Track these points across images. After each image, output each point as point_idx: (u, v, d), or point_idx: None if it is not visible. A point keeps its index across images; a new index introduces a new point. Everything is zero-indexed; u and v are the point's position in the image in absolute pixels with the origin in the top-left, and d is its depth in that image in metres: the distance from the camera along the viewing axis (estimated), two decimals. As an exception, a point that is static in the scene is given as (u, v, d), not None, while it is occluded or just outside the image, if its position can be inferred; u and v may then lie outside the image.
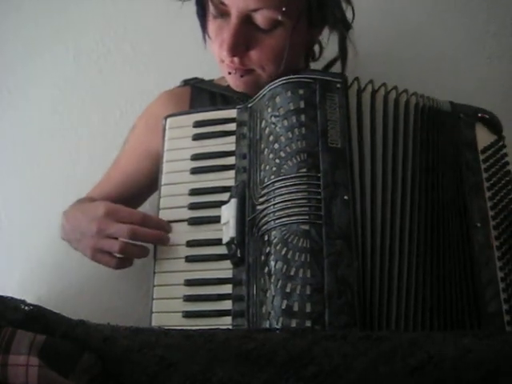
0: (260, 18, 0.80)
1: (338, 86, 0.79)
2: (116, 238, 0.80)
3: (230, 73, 0.86)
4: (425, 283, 0.75)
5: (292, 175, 0.74)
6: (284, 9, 0.80)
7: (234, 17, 0.80)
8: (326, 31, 0.94)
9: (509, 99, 1.19)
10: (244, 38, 0.81)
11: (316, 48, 1.01)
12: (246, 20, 0.81)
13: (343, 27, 0.91)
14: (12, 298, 0.58)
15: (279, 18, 0.80)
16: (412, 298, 0.74)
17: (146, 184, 1.01)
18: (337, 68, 0.95)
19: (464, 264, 0.78)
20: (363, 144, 0.78)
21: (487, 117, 0.89)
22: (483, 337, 0.56)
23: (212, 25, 0.85)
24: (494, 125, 0.89)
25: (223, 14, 0.82)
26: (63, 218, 0.91)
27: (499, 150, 0.88)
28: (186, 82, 1.03)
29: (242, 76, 0.86)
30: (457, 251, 0.78)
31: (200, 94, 1.01)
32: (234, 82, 0.88)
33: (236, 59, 0.83)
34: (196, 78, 1.04)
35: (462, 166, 0.83)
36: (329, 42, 1.00)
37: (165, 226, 0.80)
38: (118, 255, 0.81)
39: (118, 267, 0.82)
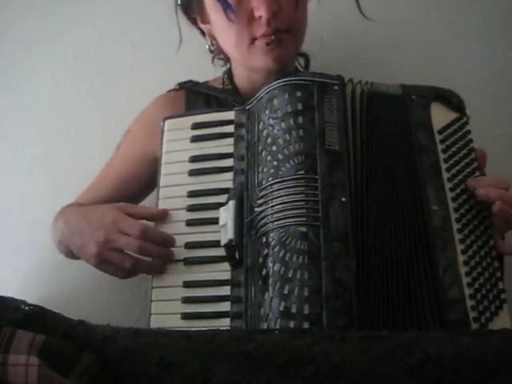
0: None
1: (336, 88, 0.79)
2: (123, 250, 0.79)
3: (268, 43, 0.86)
4: (398, 276, 0.73)
5: (290, 177, 0.74)
6: None
7: None
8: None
9: (509, 99, 1.19)
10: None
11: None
12: None
13: None
14: (12, 298, 0.58)
15: None
16: (393, 295, 0.72)
17: (141, 187, 1.01)
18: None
19: (421, 250, 0.75)
20: (357, 145, 0.78)
21: (443, 95, 0.85)
22: (482, 335, 0.56)
23: (235, 6, 0.85)
24: (453, 103, 0.85)
25: None
26: (61, 222, 0.90)
27: (461, 128, 0.84)
28: (181, 86, 1.03)
29: (280, 42, 0.87)
30: (412, 237, 0.75)
31: (195, 97, 1.01)
32: (271, 55, 0.88)
33: (273, 21, 0.84)
34: (191, 81, 1.04)
35: (414, 148, 0.80)
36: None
37: (170, 241, 0.80)
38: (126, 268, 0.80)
39: (124, 278, 0.82)
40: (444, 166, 0.80)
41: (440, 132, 0.83)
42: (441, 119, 0.84)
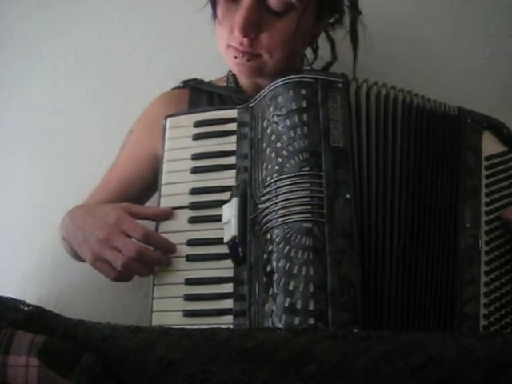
0: (273, 0, 0.82)
1: (340, 85, 0.80)
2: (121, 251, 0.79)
3: (236, 57, 0.86)
4: (410, 279, 0.75)
5: (294, 174, 0.74)
6: None
7: None
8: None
9: (509, 99, 1.19)
10: (256, 20, 0.82)
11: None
12: (259, 2, 0.82)
13: (355, 12, 0.93)
14: (12, 299, 0.57)
15: (293, 0, 0.82)
16: (400, 294, 0.74)
17: (145, 187, 1.00)
18: (343, 67, 0.95)
19: (446, 262, 0.78)
20: (362, 142, 0.78)
21: (496, 126, 0.88)
22: (484, 337, 0.56)
23: (222, 8, 0.86)
24: (504, 135, 0.88)
25: None
26: (67, 218, 0.89)
27: (507, 162, 0.87)
28: (185, 83, 1.03)
29: (248, 60, 0.86)
30: (441, 248, 0.78)
31: (199, 95, 1.01)
32: (240, 68, 0.88)
33: (246, 41, 0.84)
34: (195, 79, 1.04)
35: (460, 167, 0.83)
36: (325, 47, 1.01)
37: (171, 248, 0.79)
38: (118, 268, 0.79)
39: (116, 280, 0.81)
40: (484, 190, 0.83)
41: (487, 159, 0.85)
42: (490, 148, 0.86)
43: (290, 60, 0.87)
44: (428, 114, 0.84)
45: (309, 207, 0.72)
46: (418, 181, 0.79)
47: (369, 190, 0.76)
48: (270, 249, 0.72)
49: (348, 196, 0.73)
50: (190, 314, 0.76)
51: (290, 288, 0.69)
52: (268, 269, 0.71)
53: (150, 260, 0.78)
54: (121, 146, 1.05)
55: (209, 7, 0.89)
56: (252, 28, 0.83)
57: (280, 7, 0.82)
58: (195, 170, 0.83)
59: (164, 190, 0.83)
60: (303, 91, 0.78)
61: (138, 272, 0.80)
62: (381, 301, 0.72)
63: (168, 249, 0.79)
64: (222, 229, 0.78)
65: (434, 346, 0.54)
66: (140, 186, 1.01)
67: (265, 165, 0.77)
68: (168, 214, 0.81)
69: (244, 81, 0.99)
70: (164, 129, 0.86)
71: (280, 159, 0.75)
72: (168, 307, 0.77)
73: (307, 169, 0.74)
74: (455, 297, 0.76)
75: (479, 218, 0.81)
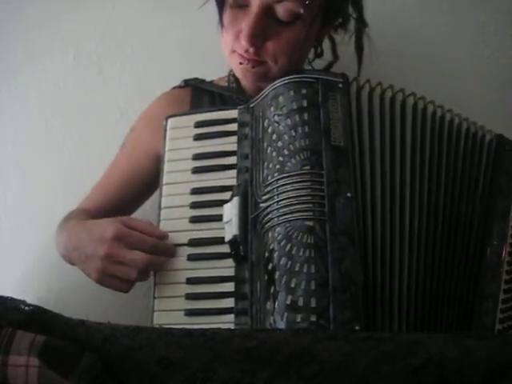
0: (281, 10, 0.81)
1: (340, 85, 0.80)
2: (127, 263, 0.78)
3: (241, 63, 0.86)
4: (425, 282, 0.76)
5: (295, 172, 0.74)
6: (307, 2, 0.80)
7: (256, 6, 0.81)
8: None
9: (508, 99, 1.19)
10: (263, 29, 0.82)
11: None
12: (267, 11, 0.81)
13: (361, 23, 0.93)
14: (12, 299, 0.57)
15: (301, 11, 0.81)
16: (412, 295, 0.75)
17: (146, 184, 1.00)
18: (345, 67, 0.95)
19: (469, 274, 0.80)
20: (363, 142, 0.78)
21: None
22: (484, 338, 0.56)
23: (228, 14, 0.85)
24: None
25: (241, 5, 0.83)
26: (65, 236, 0.88)
27: None
28: (187, 83, 1.03)
29: (253, 67, 0.85)
30: (465, 260, 0.80)
31: (200, 94, 1.01)
32: (244, 73, 0.87)
33: (252, 49, 0.83)
34: (196, 79, 1.04)
35: (492, 187, 0.85)
36: (326, 47, 1.01)
37: (172, 252, 0.79)
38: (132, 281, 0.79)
39: (128, 291, 0.81)
40: None
41: None
42: None
43: (294, 66, 0.87)
44: (450, 124, 0.84)
45: (310, 205, 0.72)
46: (434, 187, 0.80)
47: (372, 189, 0.76)
48: (271, 247, 0.72)
49: (349, 194, 0.73)
50: (191, 313, 0.76)
51: (292, 286, 0.69)
52: (269, 267, 0.71)
53: (157, 267, 0.79)
54: (121, 145, 1.05)
55: (209, 7, 0.89)
56: (259, 38, 0.82)
57: (288, 17, 0.82)
58: (196, 170, 0.83)
59: (165, 189, 0.83)
60: (304, 91, 0.78)
61: (145, 280, 0.80)
62: (389, 300, 0.73)
63: (171, 253, 0.79)
64: (223, 228, 0.78)
65: (434, 346, 0.54)
66: (141, 183, 1.01)
67: (266, 164, 0.77)
68: (165, 237, 0.80)
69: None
70: (165, 129, 0.86)
71: (281, 158, 0.75)
72: (169, 306, 0.77)
73: (308, 167, 0.74)
74: (474, 308, 0.78)
75: (505, 239, 0.83)
